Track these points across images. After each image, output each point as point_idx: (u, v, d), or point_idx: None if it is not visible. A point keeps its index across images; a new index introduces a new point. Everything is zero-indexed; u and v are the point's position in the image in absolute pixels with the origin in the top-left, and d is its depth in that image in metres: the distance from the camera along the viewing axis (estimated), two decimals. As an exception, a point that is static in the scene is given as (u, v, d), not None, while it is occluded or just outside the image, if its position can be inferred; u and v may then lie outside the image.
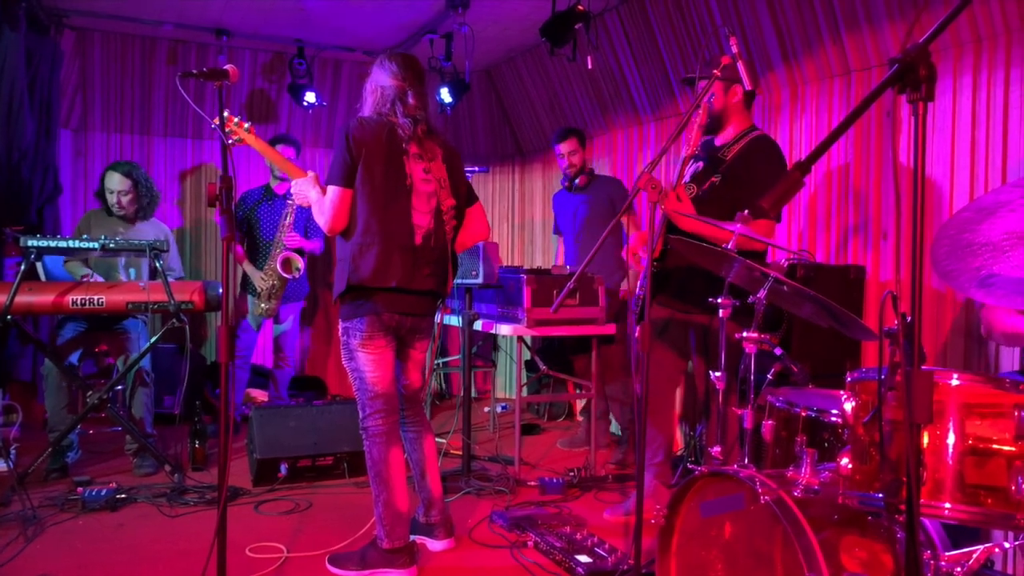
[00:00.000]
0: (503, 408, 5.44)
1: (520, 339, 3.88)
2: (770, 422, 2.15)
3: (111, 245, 3.46)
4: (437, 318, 2.85)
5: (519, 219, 6.37)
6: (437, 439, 3.08)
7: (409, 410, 2.84)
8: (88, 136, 5.21)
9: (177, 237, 5.04)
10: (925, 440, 1.58)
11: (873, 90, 1.25)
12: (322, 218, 2.58)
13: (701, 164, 3.00)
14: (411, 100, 2.63)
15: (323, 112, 5.67)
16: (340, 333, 2.66)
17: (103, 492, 3.24)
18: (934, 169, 3.21)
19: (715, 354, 2.44)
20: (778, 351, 2.20)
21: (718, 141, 2.98)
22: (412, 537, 2.73)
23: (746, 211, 2.24)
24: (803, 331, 3.05)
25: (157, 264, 3.46)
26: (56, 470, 3.68)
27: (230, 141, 2.72)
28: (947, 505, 1.56)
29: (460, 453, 3.75)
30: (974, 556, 1.69)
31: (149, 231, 4.13)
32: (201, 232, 5.53)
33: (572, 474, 3.63)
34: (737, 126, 2.95)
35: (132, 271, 4.11)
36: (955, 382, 1.60)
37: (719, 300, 2.28)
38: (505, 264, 5.36)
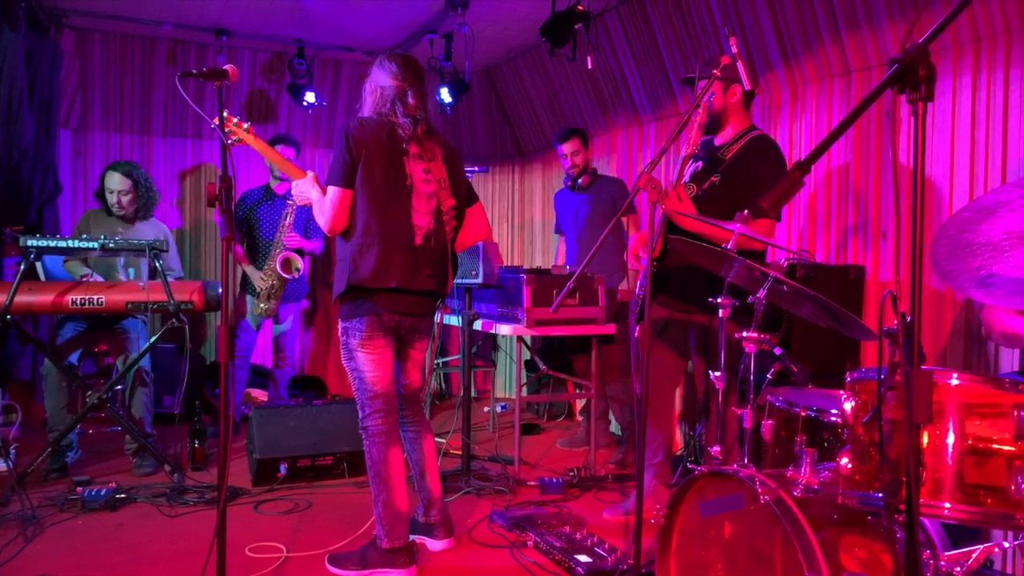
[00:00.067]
0: (503, 408, 5.44)
1: (520, 339, 3.88)
2: (770, 422, 2.15)
3: (111, 245, 3.46)
4: (437, 318, 2.85)
5: (519, 219, 6.37)
6: (437, 439, 3.08)
7: (409, 410, 2.84)
8: (88, 136, 5.21)
9: (177, 237, 5.04)
10: (925, 440, 1.58)
11: (873, 90, 1.25)
12: (322, 218, 2.59)
13: (701, 164, 3.00)
14: (411, 100, 2.63)
15: (323, 112, 5.67)
16: (340, 333, 2.66)
17: (103, 492, 3.24)
18: (934, 169, 3.21)
19: (715, 354, 2.44)
20: (778, 351, 2.20)
21: (718, 141, 2.98)
22: (412, 537, 2.73)
23: (746, 211, 2.24)
24: (803, 331, 3.05)
25: (157, 264, 3.46)
26: (56, 470, 3.68)
27: (229, 141, 2.72)
28: (947, 505, 1.56)
29: (460, 453, 3.75)
30: (973, 556, 1.69)
31: (149, 231, 4.13)
32: (201, 232, 5.53)
33: (572, 474, 3.63)
34: (737, 126, 2.95)
35: (131, 271, 4.10)
36: (955, 382, 1.60)
37: (719, 300, 2.28)
38: (505, 264, 5.36)
